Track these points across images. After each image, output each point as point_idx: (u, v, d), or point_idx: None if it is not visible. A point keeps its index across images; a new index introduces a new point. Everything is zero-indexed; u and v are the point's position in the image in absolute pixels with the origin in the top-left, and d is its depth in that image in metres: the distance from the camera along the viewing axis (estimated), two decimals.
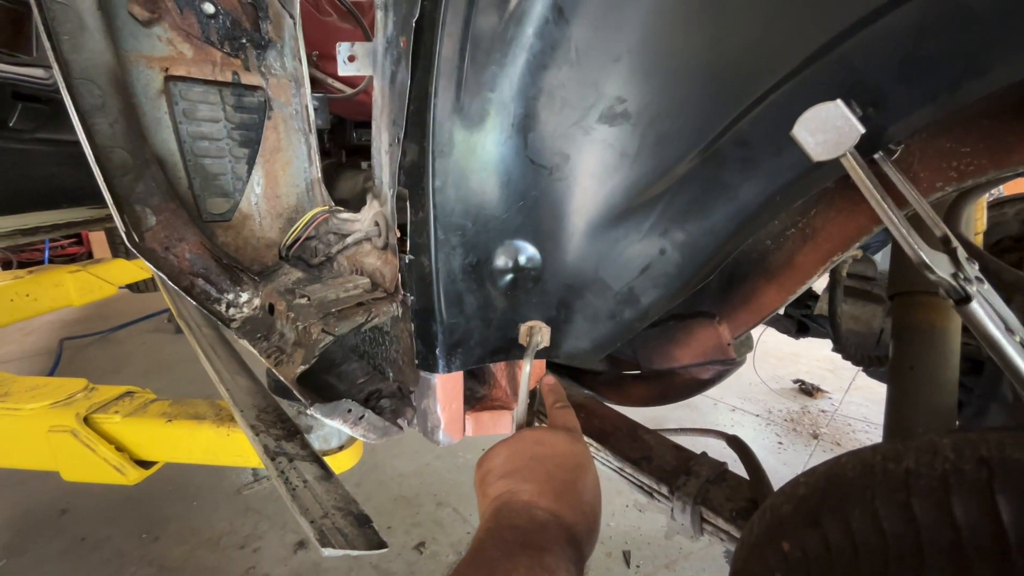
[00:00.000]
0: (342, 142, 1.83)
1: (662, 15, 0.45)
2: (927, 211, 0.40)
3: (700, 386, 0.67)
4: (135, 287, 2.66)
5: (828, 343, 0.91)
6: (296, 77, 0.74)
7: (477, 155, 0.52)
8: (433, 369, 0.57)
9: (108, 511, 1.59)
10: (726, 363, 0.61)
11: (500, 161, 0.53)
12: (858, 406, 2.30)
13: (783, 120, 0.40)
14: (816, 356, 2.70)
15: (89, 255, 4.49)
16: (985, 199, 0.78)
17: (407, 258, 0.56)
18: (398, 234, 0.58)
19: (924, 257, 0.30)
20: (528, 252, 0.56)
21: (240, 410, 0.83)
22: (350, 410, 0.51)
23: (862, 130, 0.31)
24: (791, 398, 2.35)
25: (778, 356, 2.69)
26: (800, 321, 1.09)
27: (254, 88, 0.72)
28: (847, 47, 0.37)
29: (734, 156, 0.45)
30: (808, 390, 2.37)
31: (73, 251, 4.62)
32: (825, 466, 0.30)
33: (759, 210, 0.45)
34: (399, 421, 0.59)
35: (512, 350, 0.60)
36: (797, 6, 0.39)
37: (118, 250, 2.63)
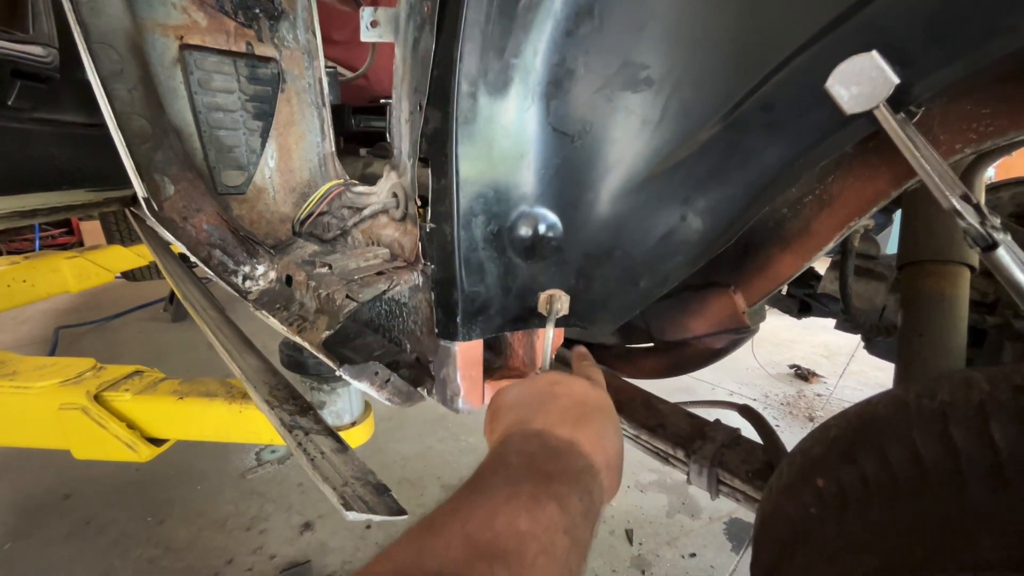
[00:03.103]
0: (340, 128, 1.82)
1: None
2: (947, 171, 0.41)
3: (713, 356, 0.68)
4: (130, 275, 2.64)
5: (824, 330, 0.92)
6: (309, 50, 0.74)
7: (500, 122, 0.52)
8: (453, 337, 0.58)
9: (112, 495, 1.59)
10: (740, 331, 0.62)
11: (523, 128, 0.53)
12: (852, 390, 2.34)
13: (809, 83, 0.41)
14: (812, 342, 2.74)
15: (80, 245, 4.43)
16: (984, 181, 0.80)
17: (428, 227, 0.56)
18: (419, 203, 0.58)
19: (956, 204, 0.31)
20: (549, 220, 0.56)
21: (254, 386, 0.83)
22: (377, 372, 0.52)
23: (897, 80, 0.31)
24: (787, 383, 2.39)
25: (775, 342, 2.72)
26: (803, 301, 1.11)
27: (267, 60, 0.71)
28: (875, 6, 0.38)
29: (758, 121, 0.46)
30: (804, 375, 2.40)
31: (64, 240, 4.56)
32: (856, 408, 0.31)
33: (780, 175, 0.46)
34: (419, 390, 0.60)
35: (531, 319, 0.60)
36: None
37: (113, 237, 2.60)
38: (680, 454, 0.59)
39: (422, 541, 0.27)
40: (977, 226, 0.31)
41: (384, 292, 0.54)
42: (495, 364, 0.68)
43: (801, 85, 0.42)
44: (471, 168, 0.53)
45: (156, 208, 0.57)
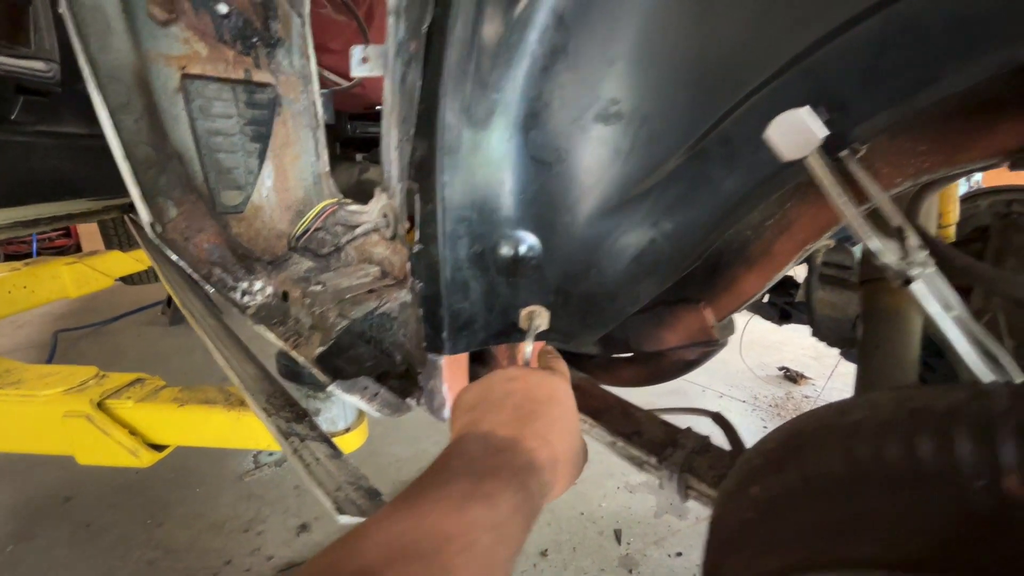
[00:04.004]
0: (337, 134, 1.85)
1: (652, 24, 0.49)
2: (886, 203, 0.45)
3: (687, 366, 0.72)
4: (128, 279, 2.66)
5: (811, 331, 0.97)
6: (304, 74, 0.77)
7: (483, 152, 0.56)
8: (440, 351, 0.62)
9: (111, 498, 1.62)
10: (709, 344, 0.66)
11: (504, 157, 0.57)
12: (840, 392, 2.39)
13: (761, 120, 0.45)
14: (801, 344, 2.79)
15: (77, 248, 4.45)
16: (956, 194, 0.84)
17: (416, 247, 0.60)
18: (407, 225, 0.62)
19: (872, 245, 0.35)
20: (529, 241, 0.60)
21: (251, 394, 0.87)
22: (366, 387, 0.55)
23: (823, 135, 0.35)
24: (776, 385, 2.43)
25: (764, 344, 2.77)
26: (783, 308, 1.15)
27: (265, 85, 0.75)
28: (817, 58, 0.42)
29: (718, 153, 0.49)
30: (792, 377, 2.45)
31: (61, 243, 4.57)
32: (789, 423, 0.35)
33: (739, 203, 0.50)
34: (408, 401, 0.64)
35: (513, 333, 0.64)
36: (773, 21, 0.43)
37: (111, 242, 2.63)
38: (653, 460, 0.63)
39: (352, 543, 0.28)
40: (894, 263, 0.35)
41: (374, 310, 0.58)
42: (481, 374, 0.72)
43: (755, 123, 0.46)
44: (455, 194, 0.56)
45: (160, 230, 0.60)
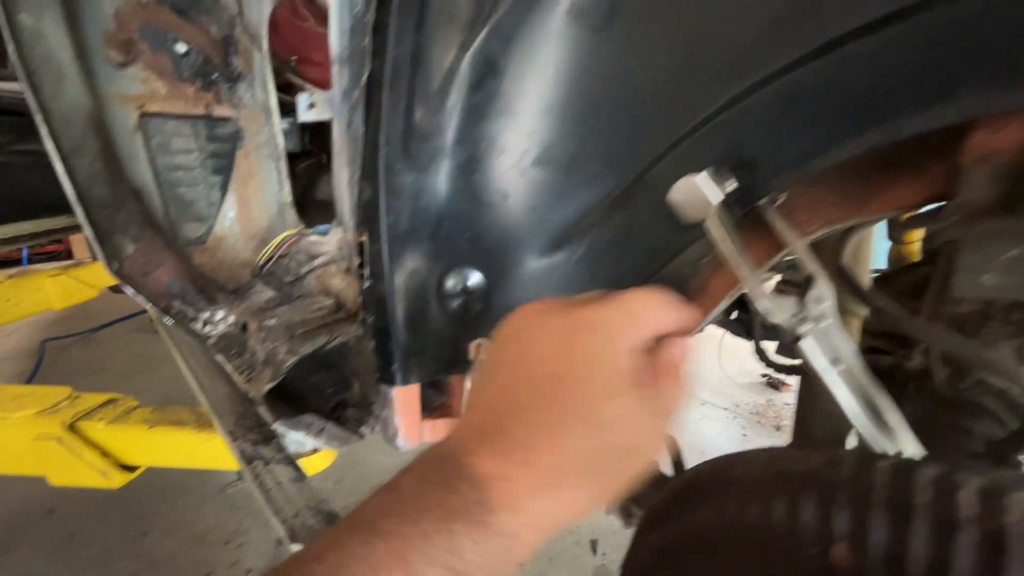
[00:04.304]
0: (324, 142, 1.86)
1: (582, 76, 0.51)
2: (801, 249, 0.47)
3: None
4: (115, 287, 2.67)
5: None
6: (265, 107, 0.79)
7: (427, 194, 0.58)
8: (391, 382, 0.64)
9: (95, 510, 1.64)
10: None
11: (448, 199, 0.59)
12: None
13: (681, 172, 0.47)
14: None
15: (68, 254, 4.45)
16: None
17: (366, 283, 0.62)
18: (358, 261, 0.64)
19: (762, 306, 0.37)
20: (476, 278, 0.62)
21: (219, 416, 0.89)
22: (311, 423, 0.57)
23: (718, 200, 0.37)
24: (758, 392, 2.46)
25: (748, 351, 2.80)
26: (749, 325, 1.18)
27: (226, 119, 0.77)
28: (726, 118, 0.44)
29: (645, 201, 0.52)
30: (775, 384, 2.48)
31: (52, 249, 4.57)
32: (690, 471, 0.37)
33: (667, 246, 0.52)
34: (362, 429, 0.66)
35: (464, 364, 0.66)
36: (686, 81, 0.45)
37: None
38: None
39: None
40: (782, 324, 0.37)
41: (325, 345, 0.60)
42: (436, 402, 0.74)
43: (675, 174, 0.48)
44: (401, 234, 0.58)
45: (117, 267, 0.62)
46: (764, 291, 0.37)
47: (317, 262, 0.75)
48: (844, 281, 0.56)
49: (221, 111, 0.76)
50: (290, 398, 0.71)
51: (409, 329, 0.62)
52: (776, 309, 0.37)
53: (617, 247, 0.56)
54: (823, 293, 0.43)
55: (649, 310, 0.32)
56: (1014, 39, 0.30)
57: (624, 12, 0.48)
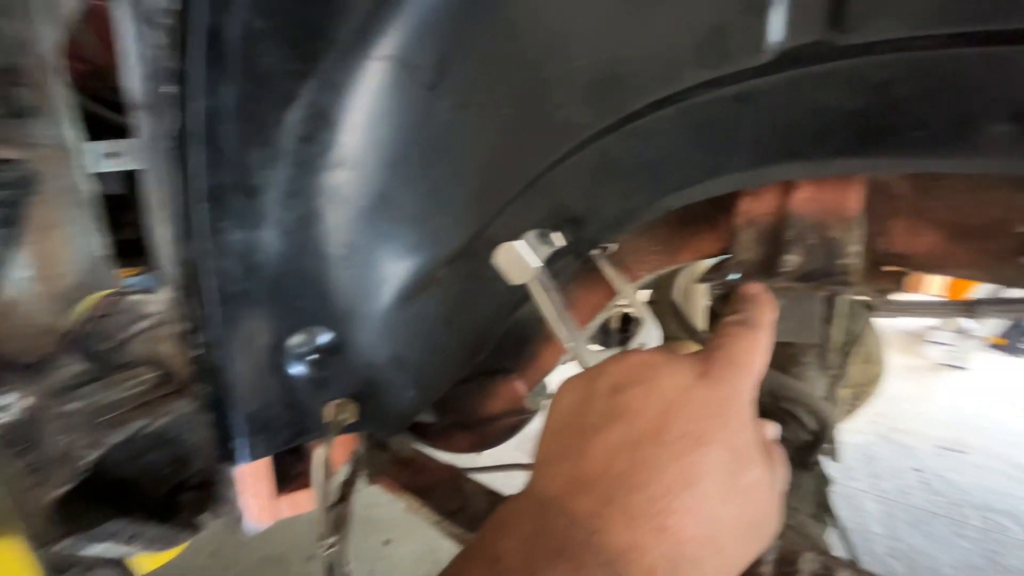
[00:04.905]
0: None
1: (420, 132, 0.51)
2: (629, 294, 0.51)
3: (512, 431, 0.75)
4: None
5: None
6: (68, 146, 0.68)
7: (261, 251, 0.53)
8: (234, 460, 0.57)
9: None
10: (523, 413, 0.69)
11: (286, 255, 0.54)
12: None
13: (515, 227, 0.49)
14: None
15: None
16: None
17: (195, 352, 0.55)
18: (187, 326, 0.57)
19: (574, 351, 0.39)
20: (327, 336, 0.58)
21: (24, 516, 0.72)
22: (115, 532, 0.49)
23: (537, 265, 0.39)
24: None
25: None
26: None
27: (12, 162, 0.64)
28: (552, 178, 0.47)
29: (486, 255, 0.52)
30: None
31: None
32: None
33: (509, 298, 0.53)
34: (200, 518, 0.57)
35: (320, 429, 0.61)
36: (514, 143, 0.47)
37: None
38: (471, 537, 0.64)
39: None
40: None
41: (143, 428, 0.52)
42: (296, 470, 0.67)
43: (511, 230, 0.50)
44: (233, 296, 0.53)
45: None
46: (587, 350, 0.38)
47: (142, 325, 0.65)
48: (675, 315, 0.61)
49: (3, 152, 0.63)
50: (110, 489, 0.60)
51: (251, 398, 0.56)
52: (581, 356, 0.39)
53: (471, 296, 0.57)
54: (648, 338, 0.47)
55: (755, 357, 0.30)
56: (759, 131, 0.35)
57: (453, 73, 0.49)
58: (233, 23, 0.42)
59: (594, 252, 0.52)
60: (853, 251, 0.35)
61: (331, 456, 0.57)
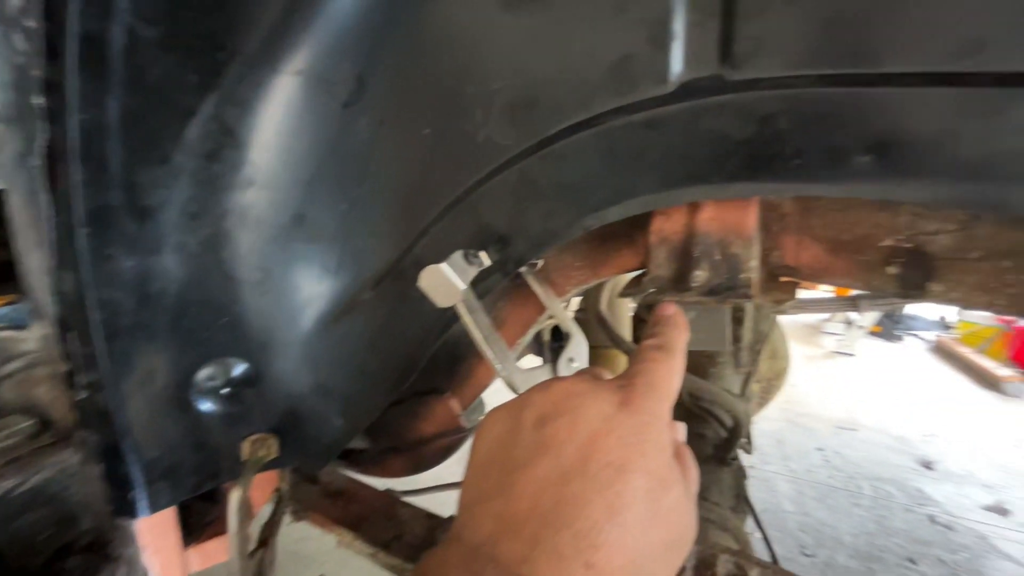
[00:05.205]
0: None
1: (338, 150, 0.49)
2: (556, 309, 0.52)
3: (447, 452, 0.73)
4: None
5: None
6: None
7: (159, 279, 0.48)
8: (132, 513, 0.50)
9: None
10: (459, 432, 0.68)
11: (191, 282, 0.50)
12: None
13: (444, 247, 0.48)
14: None
15: None
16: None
17: (81, 394, 0.48)
18: (68, 365, 0.50)
19: (501, 374, 0.39)
20: (241, 367, 0.54)
21: None
22: None
23: (463, 287, 0.39)
24: None
25: None
26: None
27: None
28: (476, 197, 0.47)
29: (412, 276, 0.51)
30: None
31: None
32: None
33: (439, 319, 0.52)
34: None
35: (236, 468, 0.56)
36: (438, 162, 0.47)
37: None
38: (409, 568, 0.61)
39: None
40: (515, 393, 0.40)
41: (14, 489, 0.44)
42: (209, 517, 0.61)
43: (438, 247, 0.49)
44: (123, 331, 0.47)
45: None
46: (516, 370, 0.39)
47: (13, 366, 0.56)
48: (603, 326, 0.64)
49: None
50: None
51: (150, 443, 0.50)
52: (509, 378, 0.40)
53: (398, 318, 0.55)
54: (576, 352, 0.48)
55: (671, 381, 0.31)
56: (667, 156, 0.37)
57: (371, 91, 0.47)
58: (114, 30, 0.38)
59: (522, 269, 0.53)
60: (752, 265, 0.39)
61: (249, 498, 0.52)
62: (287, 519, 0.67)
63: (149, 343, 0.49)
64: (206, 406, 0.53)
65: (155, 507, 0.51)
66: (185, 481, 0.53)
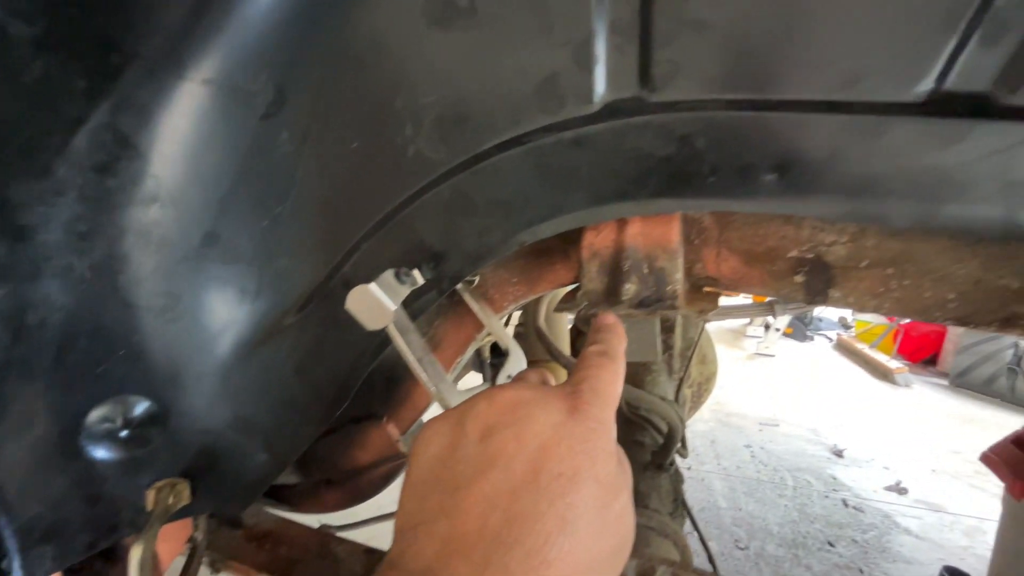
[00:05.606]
0: None
1: (257, 164, 0.46)
2: (493, 325, 0.51)
3: (385, 480, 0.70)
4: None
5: None
6: None
7: (38, 309, 0.42)
8: None
9: None
10: (399, 458, 0.65)
11: (80, 311, 0.44)
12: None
13: (375, 265, 0.46)
14: None
15: None
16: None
17: None
18: None
19: (438, 393, 0.38)
20: (143, 405, 0.48)
21: None
22: None
23: (393, 309, 0.37)
24: None
25: None
26: None
27: None
28: (409, 213, 0.45)
29: (341, 297, 0.48)
30: None
31: None
32: None
33: (370, 341, 0.50)
34: None
35: (140, 520, 0.50)
36: (367, 176, 0.45)
37: None
38: None
39: None
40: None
41: None
42: (109, 573, 0.54)
43: (372, 266, 0.47)
44: None
45: None
46: (452, 392, 0.37)
47: None
48: (542, 340, 0.64)
49: None
50: None
51: (27, 501, 0.43)
52: (442, 395, 0.39)
53: (326, 342, 0.52)
54: (515, 368, 0.48)
55: (615, 387, 0.31)
56: (594, 173, 0.38)
57: (292, 103, 0.45)
58: None
59: (458, 286, 0.52)
60: (678, 278, 0.41)
61: (155, 553, 0.46)
62: (204, 572, 0.60)
63: (25, 383, 0.42)
64: (100, 452, 0.47)
65: (38, 574, 0.44)
66: (74, 541, 0.46)
